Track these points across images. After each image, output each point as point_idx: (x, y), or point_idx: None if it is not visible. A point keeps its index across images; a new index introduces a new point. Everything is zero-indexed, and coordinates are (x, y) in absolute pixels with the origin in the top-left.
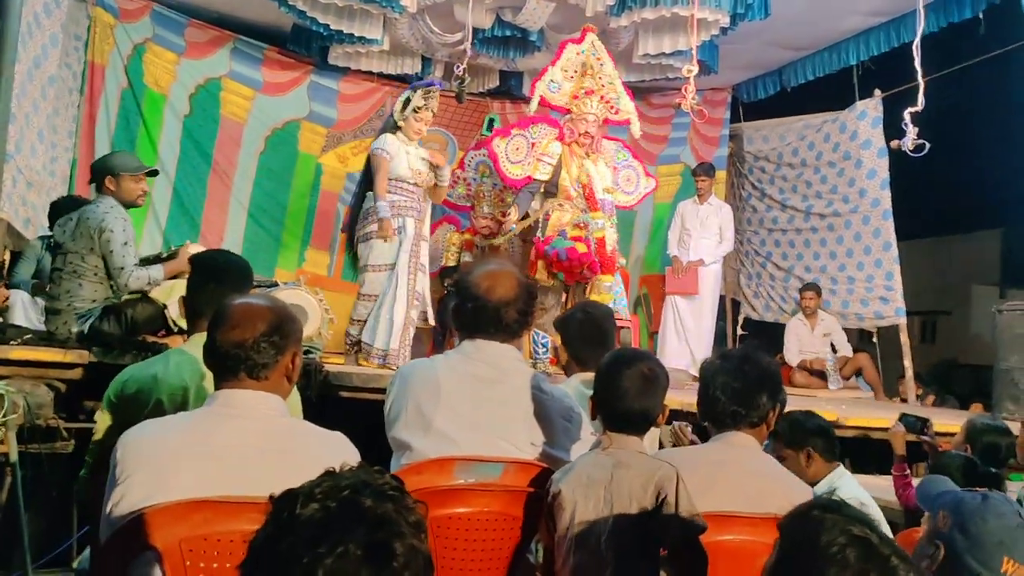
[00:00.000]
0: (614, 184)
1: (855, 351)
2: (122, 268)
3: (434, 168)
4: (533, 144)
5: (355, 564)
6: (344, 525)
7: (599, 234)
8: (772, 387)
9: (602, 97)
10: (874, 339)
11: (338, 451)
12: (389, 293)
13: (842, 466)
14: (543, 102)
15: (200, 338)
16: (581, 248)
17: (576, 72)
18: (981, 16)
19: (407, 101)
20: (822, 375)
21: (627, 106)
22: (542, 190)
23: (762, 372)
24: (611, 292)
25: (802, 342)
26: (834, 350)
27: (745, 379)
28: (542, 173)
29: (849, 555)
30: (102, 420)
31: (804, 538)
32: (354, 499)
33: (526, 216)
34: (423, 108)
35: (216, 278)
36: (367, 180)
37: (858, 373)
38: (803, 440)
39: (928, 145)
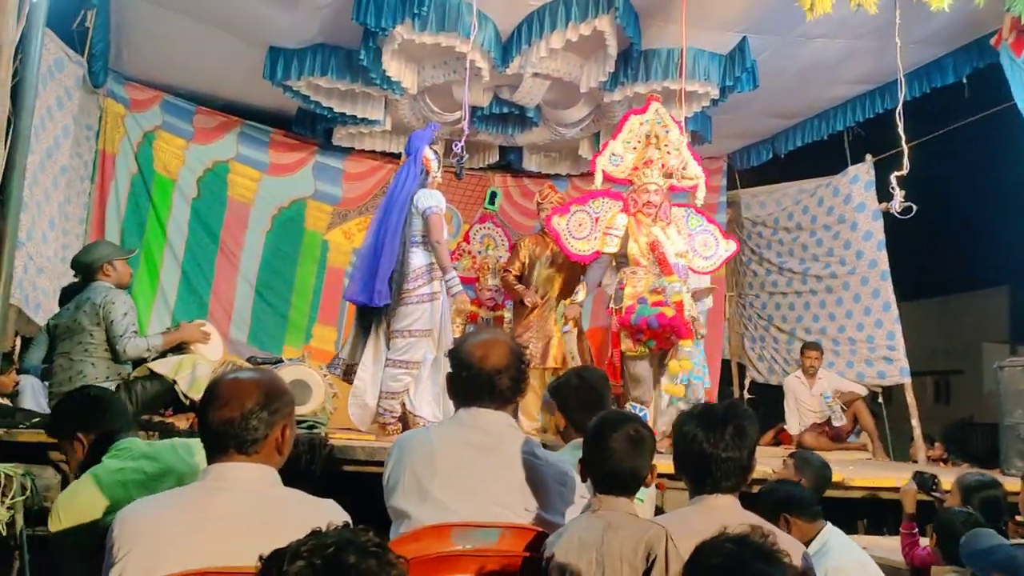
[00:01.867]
0: (690, 250)
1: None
2: (121, 335)
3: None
4: (597, 219)
5: None
6: None
7: (677, 298)
8: (752, 444)
9: (663, 165)
10: (879, 399)
11: (330, 517)
12: (431, 359)
13: (829, 524)
14: (606, 176)
15: None
16: (669, 312)
17: (640, 143)
18: (965, 81)
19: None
20: (829, 432)
21: (694, 171)
22: (613, 264)
23: (742, 432)
24: (691, 359)
25: (800, 401)
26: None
27: (729, 444)
28: (610, 246)
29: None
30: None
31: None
32: (338, 556)
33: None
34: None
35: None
36: (408, 235)
37: (855, 426)
38: (775, 510)
39: (915, 207)
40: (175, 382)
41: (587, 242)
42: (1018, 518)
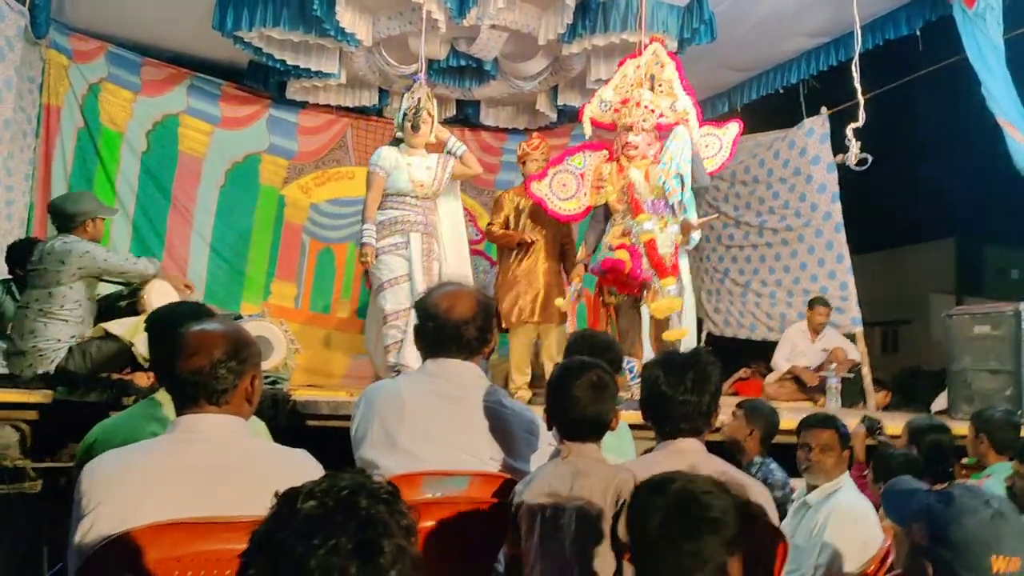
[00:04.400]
0: (692, 156)
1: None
2: (123, 271)
3: (444, 149)
4: (582, 175)
5: (345, 558)
6: (338, 521)
7: (646, 237)
8: (714, 390)
9: (637, 103)
10: None
11: (301, 467)
12: (408, 307)
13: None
14: (594, 123)
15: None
16: (619, 254)
17: (632, 85)
18: (919, 33)
19: (402, 113)
20: (805, 385)
21: (684, 106)
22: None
23: (703, 377)
24: (675, 295)
25: (796, 351)
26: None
27: (688, 388)
28: (603, 198)
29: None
30: None
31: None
32: (350, 499)
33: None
34: (410, 107)
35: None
36: None
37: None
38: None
39: (870, 159)
40: (132, 344)
41: (576, 200)
42: (964, 460)
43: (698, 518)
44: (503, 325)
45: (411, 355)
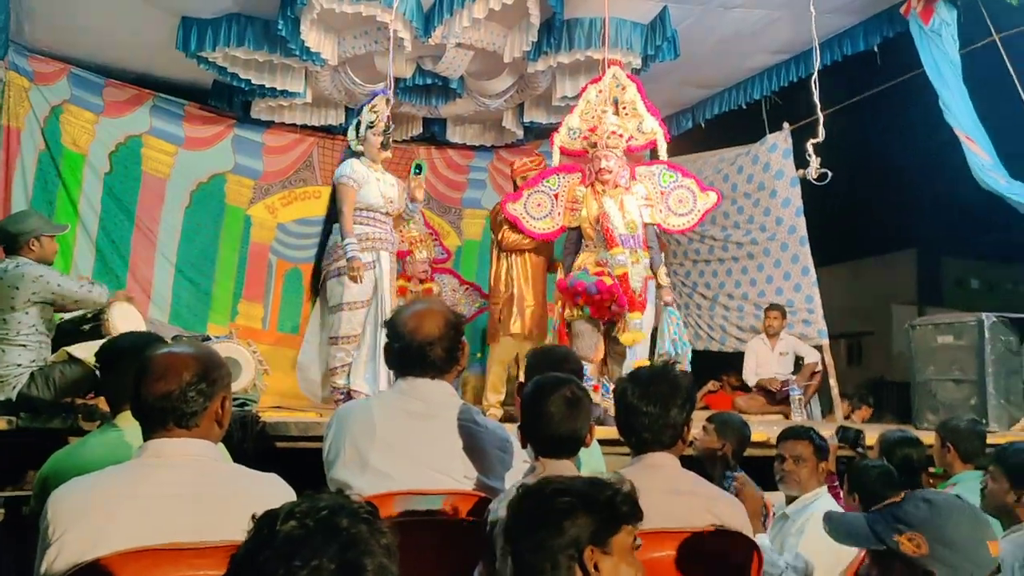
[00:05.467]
0: (663, 209)
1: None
2: (76, 299)
3: (410, 200)
4: (556, 195)
5: None
6: (320, 542)
7: (620, 271)
8: (682, 403)
9: (612, 132)
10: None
11: (272, 491)
12: (369, 333)
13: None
14: (564, 151)
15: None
16: (609, 280)
17: (599, 111)
18: (876, 49)
19: (358, 125)
20: (774, 396)
21: (651, 126)
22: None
23: (671, 390)
24: (640, 329)
25: (760, 362)
26: (798, 367)
27: (655, 401)
28: (575, 220)
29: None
30: None
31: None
32: (331, 519)
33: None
34: (377, 120)
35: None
36: (332, 212)
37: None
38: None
39: (830, 174)
40: (96, 367)
41: (550, 220)
42: (931, 469)
43: (540, 510)
44: (497, 333)
45: (362, 379)
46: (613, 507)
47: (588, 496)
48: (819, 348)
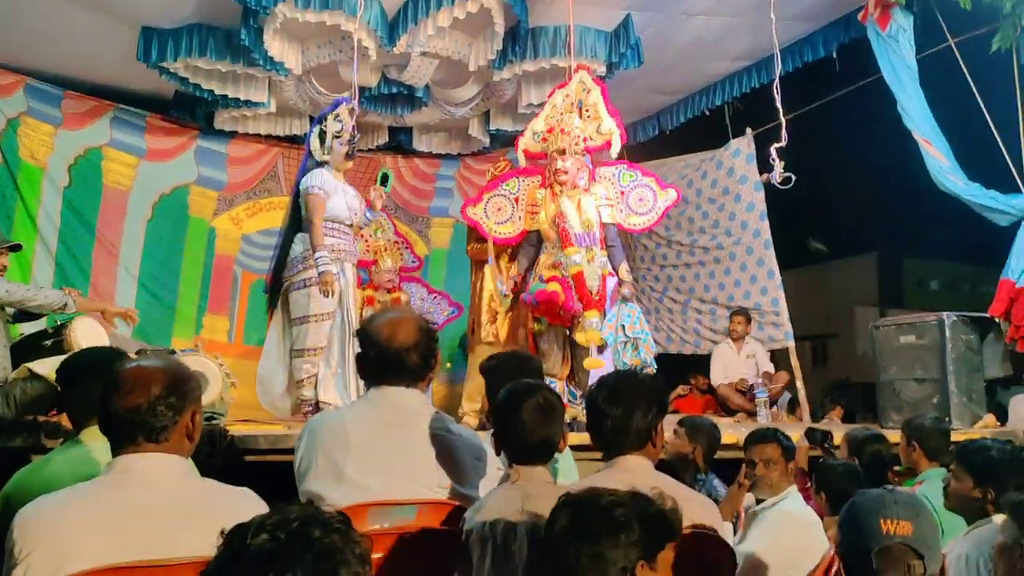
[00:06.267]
0: (623, 208)
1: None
2: (29, 303)
3: (368, 208)
4: (517, 199)
5: None
6: (294, 553)
7: (575, 270)
8: (647, 405)
9: (563, 130)
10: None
11: (244, 505)
12: (336, 344)
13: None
14: (529, 155)
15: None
16: (552, 287)
17: (563, 115)
18: (835, 56)
19: (322, 135)
20: (745, 395)
21: (608, 127)
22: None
23: (636, 392)
24: (597, 328)
25: (727, 365)
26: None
27: (620, 403)
28: (535, 223)
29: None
30: None
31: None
32: (303, 530)
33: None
34: (341, 130)
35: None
36: (295, 222)
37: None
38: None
39: (794, 177)
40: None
41: (511, 224)
42: (896, 468)
43: (599, 521)
44: (478, 337)
45: (332, 390)
46: (663, 523)
47: (642, 510)
48: (785, 351)
